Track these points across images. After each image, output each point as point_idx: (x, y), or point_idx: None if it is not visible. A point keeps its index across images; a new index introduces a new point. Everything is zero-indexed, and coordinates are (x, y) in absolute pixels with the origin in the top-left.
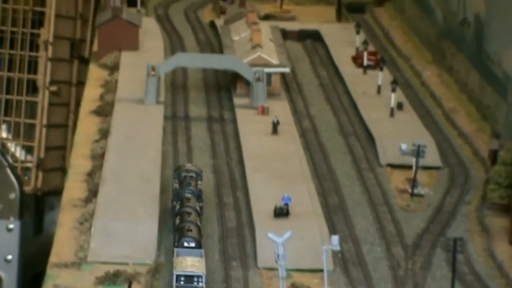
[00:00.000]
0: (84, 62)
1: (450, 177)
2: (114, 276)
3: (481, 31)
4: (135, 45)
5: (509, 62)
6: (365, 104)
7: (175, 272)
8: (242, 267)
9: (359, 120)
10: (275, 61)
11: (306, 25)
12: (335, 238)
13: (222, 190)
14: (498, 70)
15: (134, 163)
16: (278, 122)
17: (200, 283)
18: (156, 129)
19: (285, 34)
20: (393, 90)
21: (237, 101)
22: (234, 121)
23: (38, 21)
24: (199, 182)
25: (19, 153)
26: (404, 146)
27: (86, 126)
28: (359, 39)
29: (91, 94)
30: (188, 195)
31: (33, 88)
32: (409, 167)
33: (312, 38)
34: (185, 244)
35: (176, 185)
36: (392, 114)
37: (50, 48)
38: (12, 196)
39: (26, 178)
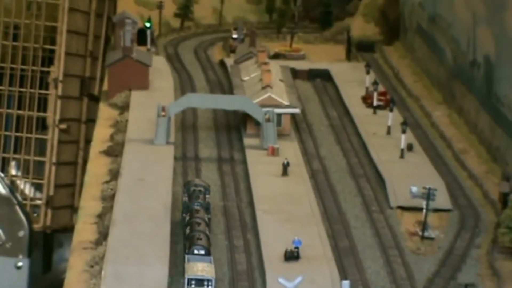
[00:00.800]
0: (94, 99)
1: (460, 220)
2: None
3: (491, 72)
4: (145, 85)
5: None
6: (375, 145)
7: (186, 276)
8: None
9: (369, 161)
10: (285, 101)
11: (315, 64)
12: (346, 283)
13: (232, 232)
14: (508, 112)
15: (145, 205)
16: (288, 164)
17: (210, 287)
18: (166, 170)
19: (295, 73)
20: (403, 132)
21: (247, 141)
22: (244, 162)
23: (48, 59)
24: (207, 196)
25: (29, 190)
26: (414, 189)
27: (96, 167)
28: (369, 79)
29: (101, 134)
30: (197, 207)
31: (42, 125)
32: (419, 209)
33: (322, 77)
34: (195, 251)
35: (186, 199)
36: (402, 156)
37: (60, 86)
38: (21, 233)
39: (35, 215)
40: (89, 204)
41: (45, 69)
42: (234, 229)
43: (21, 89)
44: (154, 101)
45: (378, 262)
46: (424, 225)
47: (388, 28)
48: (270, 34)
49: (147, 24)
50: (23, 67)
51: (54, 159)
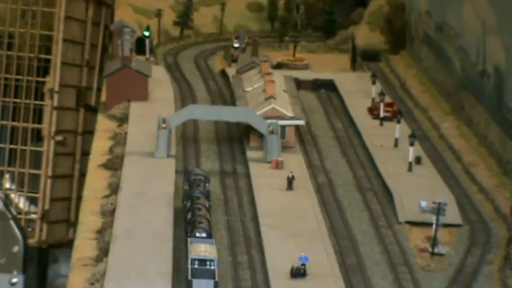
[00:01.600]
0: (91, 110)
1: (471, 235)
2: None
3: (502, 83)
4: (145, 96)
5: None
6: (382, 158)
7: (190, 256)
8: None
9: (376, 174)
10: (289, 113)
11: (320, 74)
12: None
13: (236, 248)
14: None
15: (146, 220)
16: (293, 177)
17: (213, 266)
18: (168, 184)
19: (299, 84)
20: (411, 144)
21: (250, 154)
22: (248, 175)
23: (44, 68)
24: (207, 185)
25: (23, 204)
26: (423, 204)
27: (95, 181)
28: (375, 89)
29: (100, 146)
30: (198, 195)
31: (37, 137)
32: (429, 224)
33: (327, 87)
34: (197, 234)
35: (186, 187)
36: (410, 169)
37: (55, 96)
38: (16, 249)
39: (30, 230)
40: (88, 219)
41: (41, 79)
42: (238, 244)
43: (16, 100)
44: (154, 113)
45: (386, 279)
46: (434, 241)
47: (394, 37)
48: (272, 43)
49: (146, 33)
50: (18, 77)
51: (49, 172)
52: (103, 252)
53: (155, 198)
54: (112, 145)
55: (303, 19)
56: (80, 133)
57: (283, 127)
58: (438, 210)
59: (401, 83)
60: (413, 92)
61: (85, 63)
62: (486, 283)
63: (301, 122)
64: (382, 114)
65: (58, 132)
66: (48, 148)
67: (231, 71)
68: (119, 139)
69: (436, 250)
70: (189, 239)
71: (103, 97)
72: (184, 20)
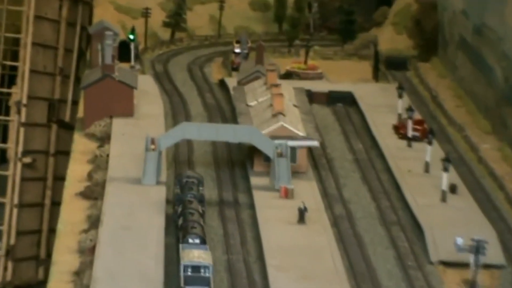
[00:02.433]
0: (65, 127)
1: None
2: None
3: None
4: (130, 111)
5: None
6: (410, 186)
7: (182, 263)
8: None
9: (403, 205)
10: (300, 132)
11: (336, 85)
12: None
13: None
14: None
15: (132, 259)
16: (305, 209)
17: (207, 273)
18: (157, 217)
19: (312, 97)
20: (445, 169)
21: (254, 181)
22: (252, 206)
23: (9, 77)
24: (200, 188)
25: None
26: (460, 241)
27: (72, 212)
28: (401, 103)
29: (77, 171)
30: (191, 199)
31: (2, 159)
32: (466, 265)
33: (344, 101)
34: (190, 240)
35: (178, 191)
36: (444, 199)
37: (23, 110)
38: None
39: None
40: (63, 258)
41: (5, 90)
42: None
43: None
44: (140, 131)
45: None
46: (472, 285)
47: (424, 41)
48: (280, 48)
49: (131, 36)
50: None
51: (16, 200)
52: None
53: (143, 233)
54: (92, 170)
55: (317, 20)
56: (52, 154)
57: (294, 148)
58: (477, 248)
59: (433, 96)
60: (447, 107)
61: (59, 71)
62: None
63: (314, 143)
64: (410, 133)
65: (26, 153)
66: (14, 171)
67: (231, 82)
68: (99, 163)
69: None
70: (180, 245)
71: (80, 112)
72: (175, 20)
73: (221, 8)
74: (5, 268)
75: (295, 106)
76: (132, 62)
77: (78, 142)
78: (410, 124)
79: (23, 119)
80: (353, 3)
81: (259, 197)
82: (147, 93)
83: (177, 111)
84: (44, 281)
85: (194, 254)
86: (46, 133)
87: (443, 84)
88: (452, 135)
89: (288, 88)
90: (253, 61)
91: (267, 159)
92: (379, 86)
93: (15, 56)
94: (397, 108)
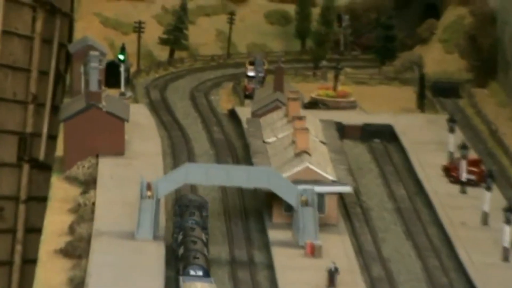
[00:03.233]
0: (39, 167)
1: None
2: None
3: None
4: (120, 148)
5: None
6: (464, 241)
7: None
8: None
9: (456, 265)
10: (330, 175)
11: (373, 117)
12: None
13: None
14: None
15: None
16: (336, 270)
17: None
18: (155, 279)
19: (343, 131)
20: (508, 221)
21: (273, 235)
22: (270, 266)
23: None
24: (203, 213)
25: None
26: None
27: (50, 273)
28: (453, 139)
29: (55, 223)
30: (192, 225)
31: None
32: None
33: (383, 136)
34: (192, 272)
35: (178, 218)
36: (506, 258)
37: None
38: None
39: None
40: None
41: None
42: None
43: None
44: (133, 174)
45: None
46: None
47: (480, 62)
48: (303, 70)
49: (121, 56)
50: None
51: None
52: None
53: None
54: (74, 222)
55: (348, 36)
56: (24, 200)
57: (322, 195)
58: None
59: (492, 130)
60: (509, 143)
61: (31, 99)
62: None
63: (347, 189)
64: (464, 176)
65: None
66: None
67: (244, 113)
68: (83, 213)
69: None
70: (181, 278)
71: (59, 150)
72: (175, 36)
73: (231, 21)
74: None
75: (322, 143)
76: (123, 88)
77: (56, 186)
78: (463, 165)
79: None
80: (393, 15)
81: (279, 255)
82: (141, 126)
83: (178, 149)
84: None
85: (197, 287)
86: (16, 175)
87: (504, 115)
88: None
89: (314, 120)
90: (271, 87)
91: (288, 208)
92: (425, 118)
93: None
94: (447, 145)
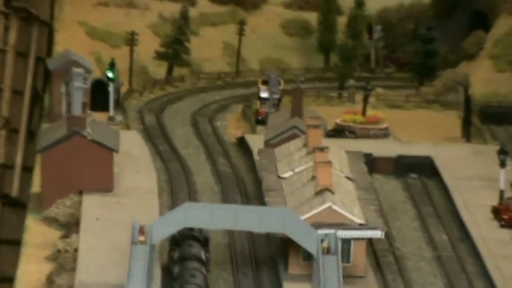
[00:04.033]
0: (12, 205)
1: None
2: None
3: None
4: (108, 184)
5: None
6: None
7: None
8: None
9: None
10: (356, 217)
11: (409, 147)
12: None
13: None
14: None
15: None
16: None
17: None
18: None
19: (373, 164)
20: None
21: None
22: None
23: None
24: (206, 254)
25: None
26: None
27: None
28: (505, 175)
29: (31, 272)
30: (191, 241)
31: None
32: None
33: (421, 171)
34: None
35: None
36: None
37: None
38: None
39: None
40: None
41: None
42: None
43: None
44: (123, 215)
45: None
46: None
47: None
48: (327, 91)
49: (109, 74)
50: None
51: None
52: None
53: None
54: (53, 272)
55: (381, 50)
56: None
57: (347, 242)
58: None
59: None
60: None
61: (3, 123)
62: None
63: (377, 233)
64: None
65: None
66: None
67: (255, 142)
68: (63, 261)
69: None
70: None
71: (36, 185)
72: (174, 50)
73: (241, 33)
74: None
75: (348, 179)
76: (111, 112)
77: (32, 229)
78: None
79: None
80: (434, 25)
81: None
82: (133, 157)
83: (177, 185)
84: None
85: None
86: None
87: None
88: None
89: (338, 152)
90: (288, 111)
91: (307, 257)
92: (472, 149)
93: None
94: (498, 182)
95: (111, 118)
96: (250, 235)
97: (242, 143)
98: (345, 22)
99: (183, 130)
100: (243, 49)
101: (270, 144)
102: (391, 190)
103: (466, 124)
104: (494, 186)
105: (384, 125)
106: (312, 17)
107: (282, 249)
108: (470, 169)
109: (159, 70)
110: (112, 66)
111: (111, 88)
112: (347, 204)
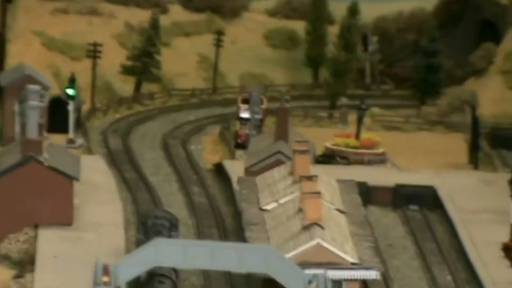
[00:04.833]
0: None
1: None
2: None
3: None
4: (67, 216)
5: None
6: None
7: None
8: None
9: None
10: (349, 255)
11: (409, 176)
12: None
13: None
14: None
15: None
16: None
17: None
18: None
19: (368, 195)
20: None
21: None
22: None
23: None
24: (173, 233)
25: None
26: None
27: None
28: None
29: None
30: None
31: None
32: None
33: (422, 202)
34: None
35: (141, 237)
36: None
37: None
38: None
39: None
40: None
41: None
42: None
43: None
44: (85, 253)
45: None
46: None
47: None
48: (315, 110)
49: (69, 91)
50: None
51: None
52: None
53: None
54: None
55: (377, 64)
56: None
57: (338, 283)
58: None
59: None
60: None
61: None
62: None
63: (372, 274)
64: None
65: None
66: None
67: (235, 168)
68: None
69: None
70: None
71: None
72: (143, 63)
73: (218, 44)
74: None
75: (340, 211)
76: (71, 134)
77: None
78: None
79: None
80: (437, 36)
81: None
82: (96, 186)
83: (144, 217)
84: None
85: None
86: None
87: None
88: None
89: (328, 180)
90: (272, 133)
91: None
92: (480, 178)
93: None
94: (509, 215)
95: (71, 141)
96: (228, 276)
97: (219, 170)
98: (337, 33)
99: (153, 154)
100: (221, 63)
101: (251, 172)
102: (388, 224)
103: (474, 149)
104: (504, 220)
105: (381, 150)
106: (299, 26)
107: None
108: (478, 200)
109: (125, 86)
110: (72, 81)
111: (71, 107)
112: (338, 240)
